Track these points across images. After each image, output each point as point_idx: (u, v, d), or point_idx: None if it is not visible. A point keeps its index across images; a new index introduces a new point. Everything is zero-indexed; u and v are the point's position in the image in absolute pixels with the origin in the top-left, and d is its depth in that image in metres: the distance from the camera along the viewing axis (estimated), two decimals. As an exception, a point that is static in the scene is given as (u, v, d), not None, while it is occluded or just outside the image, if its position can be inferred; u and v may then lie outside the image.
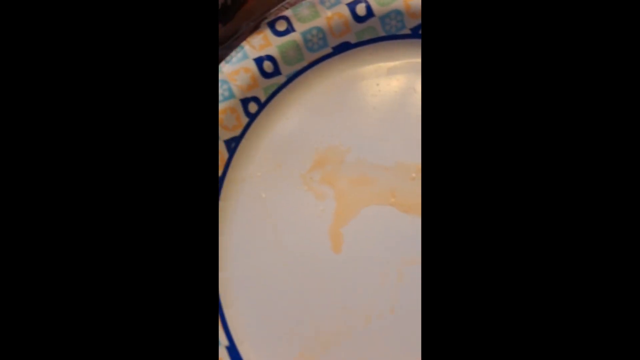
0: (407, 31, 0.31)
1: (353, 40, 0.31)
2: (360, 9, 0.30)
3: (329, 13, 0.30)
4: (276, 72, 0.31)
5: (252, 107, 0.31)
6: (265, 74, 0.31)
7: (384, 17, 0.31)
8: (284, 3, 0.32)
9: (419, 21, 0.31)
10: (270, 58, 0.31)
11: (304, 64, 0.31)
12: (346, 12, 0.30)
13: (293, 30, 0.31)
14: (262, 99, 0.31)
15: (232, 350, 0.28)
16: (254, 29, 0.31)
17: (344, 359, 0.27)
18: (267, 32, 0.31)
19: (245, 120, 0.31)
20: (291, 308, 0.28)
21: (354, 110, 0.31)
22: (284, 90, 0.32)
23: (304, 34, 0.31)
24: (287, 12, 0.31)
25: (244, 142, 0.31)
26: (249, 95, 0.31)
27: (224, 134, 0.30)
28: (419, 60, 0.32)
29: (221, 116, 0.30)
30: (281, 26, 0.31)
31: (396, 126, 0.31)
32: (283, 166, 0.31)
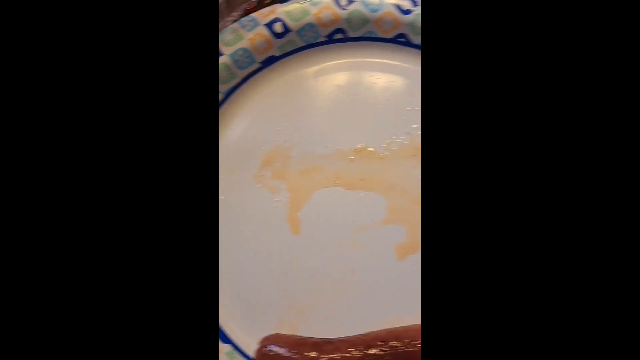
0: (323, 39, 0.37)
1: (277, 54, 0.36)
2: (278, 27, 0.35)
3: (250, 35, 0.35)
4: (215, 92, 0.35)
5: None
6: (206, 95, 0.35)
7: (300, 31, 0.36)
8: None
9: (331, 29, 0.36)
10: (208, 81, 0.35)
11: (237, 80, 0.36)
12: (265, 31, 0.35)
13: (222, 54, 0.35)
14: (208, 117, 0.35)
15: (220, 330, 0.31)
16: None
17: (318, 320, 0.30)
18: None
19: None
20: (265, 287, 0.31)
21: (291, 111, 0.36)
22: (225, 105, 0.36)
23: (232, 56, 0.35)
24: (215, 40, 0.35)
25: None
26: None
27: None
28: (338, 61, 0.37)
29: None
30: (213, 52, 0.35)
31: (330, 119, 0.35)
32: (236, 171, 0.34)
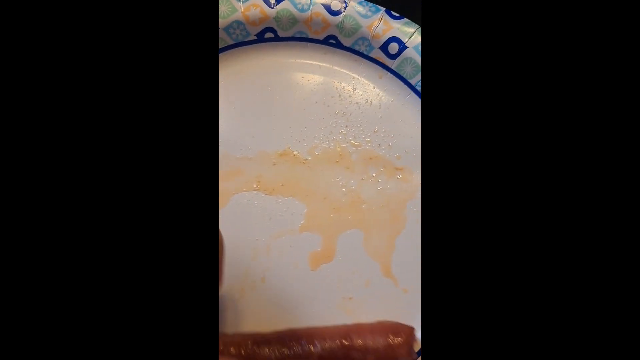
0: (253, 37, 0.36)
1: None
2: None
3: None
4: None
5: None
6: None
7: (228, 29, 0.35)
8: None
9: (260, 27, 0.35)
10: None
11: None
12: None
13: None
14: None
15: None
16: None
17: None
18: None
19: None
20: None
21: (215, 112, 0.35)
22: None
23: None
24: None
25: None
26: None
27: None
28: (267, 60, 0.36)
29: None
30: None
31: (254, 121, 0.35)
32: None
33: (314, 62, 0.36)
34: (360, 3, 0.35)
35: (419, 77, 0.34)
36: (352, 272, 0.32)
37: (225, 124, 0.34)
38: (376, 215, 0.33)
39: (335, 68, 0.36)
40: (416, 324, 0.29)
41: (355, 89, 0.36)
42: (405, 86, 0.35)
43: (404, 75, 0.35)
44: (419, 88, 0.35)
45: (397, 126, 0.35)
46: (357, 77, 0.36)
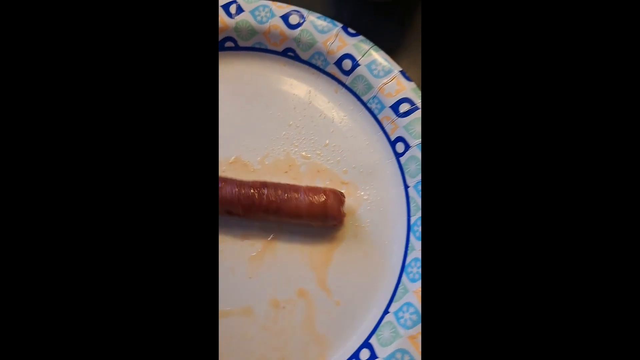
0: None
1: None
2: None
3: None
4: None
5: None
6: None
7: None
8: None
9: (221, 36, 0.36)
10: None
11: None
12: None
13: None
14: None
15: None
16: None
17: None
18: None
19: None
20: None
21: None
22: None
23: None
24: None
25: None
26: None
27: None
28: (228, 69, 0.37)
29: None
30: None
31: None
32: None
33: (272, 74, 0.37)
34: (319, 17, 0.35)
35: (371, 93, 0.35)
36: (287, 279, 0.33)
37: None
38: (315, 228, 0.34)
39: (292, 80, 0.37)
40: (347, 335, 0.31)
41: (310, 102, 0.37)
42: (359, 102, 0.36)
43: (357, 92, 0.36)
44: (370, 105, 0.35)
45: (348, 141, 0.36)
46: (313, 90, 0.37)
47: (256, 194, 0.32)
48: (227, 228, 0.33)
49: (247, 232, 0.34)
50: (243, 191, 0.32)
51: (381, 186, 0.34)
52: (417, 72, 0.36)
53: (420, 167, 0.32)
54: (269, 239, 0.33)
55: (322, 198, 0.31)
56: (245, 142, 0.36)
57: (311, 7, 0.36)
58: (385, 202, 0.34)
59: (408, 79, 0.33)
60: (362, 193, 0.34)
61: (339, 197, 0.32)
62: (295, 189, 0.32)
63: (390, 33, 0.38)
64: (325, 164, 0.35)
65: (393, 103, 0.33)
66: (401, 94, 0.33)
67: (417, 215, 0.32)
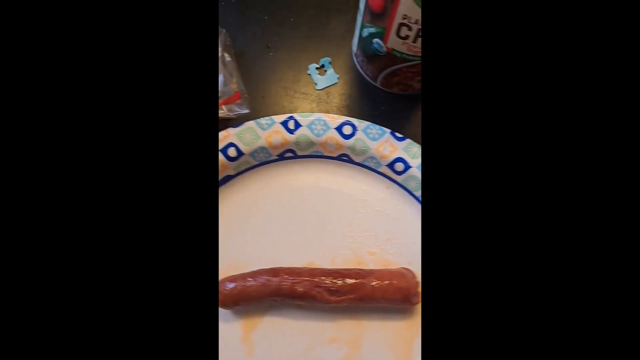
0: (275, 157, 0.40)
1: (232, 173, 0.39)
2: (232, 152, 0.39)
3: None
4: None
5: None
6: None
7: (253, 153, 0.39)
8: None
9: (281, 150, 0.40)
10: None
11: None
12: (221, 157, 0.38)
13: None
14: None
15: None
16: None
17: None
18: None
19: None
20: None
21: (246, 228, 0.39)
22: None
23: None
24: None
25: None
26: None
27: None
28: (288, 177, 0.41)
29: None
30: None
31: (278, 235, 0.39)
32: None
33: (329, 176, 0.41)
34: (368, 126, 0.39)
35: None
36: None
37: (250, 239, 0.38)
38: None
39: (348, 180, 0.41)
40: None
41: (366, 199, 0.40)
42: (411, 196, 0.40)
43: (409, 188, 0.40)
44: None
45: (407, 234, 0.39)
46: (367, 188, 0.41)
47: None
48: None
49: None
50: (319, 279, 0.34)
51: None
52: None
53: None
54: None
55: (398, 277, 0.35)
56: (315, 246, 0.38)
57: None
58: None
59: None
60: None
61: (411, 273, 0.35)
62: (367, 273, 0.35)
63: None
64: (390, 257, 0.39)
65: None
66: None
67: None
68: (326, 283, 0.33)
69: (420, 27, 0.33)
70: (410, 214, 0.40)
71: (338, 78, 0.45)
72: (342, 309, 0.35)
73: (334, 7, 0.48)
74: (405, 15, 0.33)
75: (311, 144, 0.40)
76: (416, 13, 0.32)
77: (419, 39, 0.35)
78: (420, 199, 0.39)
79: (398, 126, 0.41)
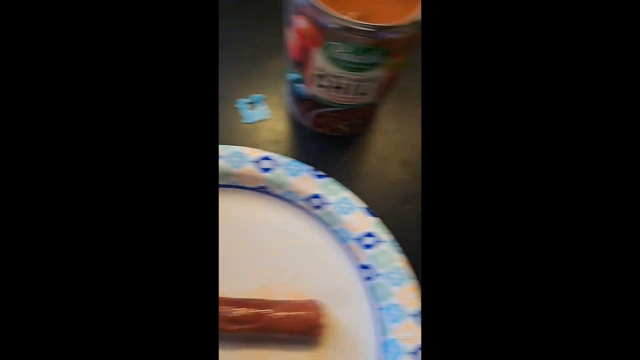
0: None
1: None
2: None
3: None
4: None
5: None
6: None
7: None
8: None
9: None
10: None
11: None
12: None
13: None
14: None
15: None
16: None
17: None
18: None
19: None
20: None
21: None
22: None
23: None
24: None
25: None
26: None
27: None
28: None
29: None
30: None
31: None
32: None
33: (245, 206, 0.42)
34: (289, 162, 0.41)
35: (339, 225, 0.41)
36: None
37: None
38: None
39: (265, 211, 0.42)
40: None
41: (282, 230, 0.42)
42: (329, 231, 0.42)
43: (327, 222, 0.42)
44: (340, 234, 0.41)
45: (321, 267, 0.40)
46: (283, 219, 0.42)
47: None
48: None
49: None
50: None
51: (353, 308, 0.39)
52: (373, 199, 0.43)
53: (387, 291, 0.37)
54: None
55: (301, 309, 0.35)
56: (225, 276, 0.38)
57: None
58: (357, 324, 0.38)
59: (373, 214, 0.40)
60: (336, 316, 0.39)
61: (316, 305, 0.36)
62: (270, 304, 0.36)
63: (343, 162, 0.46)
64: (301, 289, 0.39)
65: (359, 236, 0.40)
66: (366, 229, 0.39)
67: (386, 336, 0.37)
68: (226, 312, 0.34)
69: (335, 80, 0.36)
70: (325, 247, 0.41)
71: (270, 114, 0.47)
72: (245, 339, 0.36)
73: (273, 46, 0.51)
74: (320, 68, 0.36)
75: (228, 174, 0.41)
76: (330, 69, 0.35)
77: (340, 89, 0.38)
78: (337, 232, 0.41)
79: (324, 164, 0.44)
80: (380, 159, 0.47)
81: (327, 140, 0.47)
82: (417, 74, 0.52)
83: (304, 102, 0.43)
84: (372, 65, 0.34)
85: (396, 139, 0.49)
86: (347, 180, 0.43)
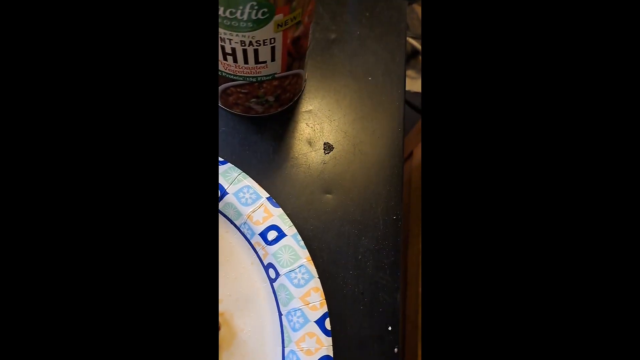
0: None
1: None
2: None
3: None
4: None
5: None
6: None
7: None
8: None
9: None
10: None
11: None
12: None
13: None
14: None
15: None
16: None
17: None
18: None
19: None
20: None
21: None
22: None
23: None
24: None
25: None
26: None
27: None
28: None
29: None
30: None
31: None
32: None
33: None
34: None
35: (241, 220, 0.35)
36: None
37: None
38: None
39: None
40: None
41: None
42: (233, 226, 0.36)
43: (230, 217, 0.36)
44: (243, 230, 0.35)
45: (223, 268, 0.35)
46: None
47: None
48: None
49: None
50: None
51: (258, 314, 0.33)
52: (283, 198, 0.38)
53: (289, 296, 0.32)
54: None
55: None
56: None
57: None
58: (261, 331, 0.33)
59: (275, 205, 0.34)
60: (239, 322, 0.33)
61: None
62: None
63: (258, 160, 0.40)
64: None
65: (262, 230, 0.34)
66: (269, 221, 0.34)
67: (289, 347, 0.31)
68: None
69: (223, 44, 0.31)
70: (231, 244, 0.36)
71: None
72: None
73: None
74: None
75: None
76: (224, 32, 0.29)
77: (231, 56, 0.32)
78: (240, 229, 0.35)
79: (235, 150, 0.38)
80: (301, 142, 0.42)
81: (244, 122, 0.42)
82: (345, 47, 0.46)
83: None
84: (253, 23, 0.28)
85: (320, 119, 0.43)
86: (247, 167, 0.38)
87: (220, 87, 0.38)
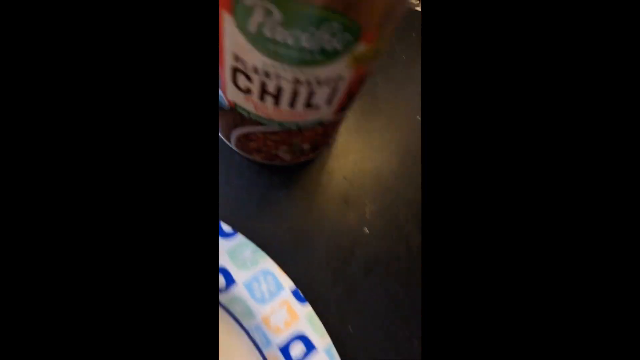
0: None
1: None
2: None
3: None
4: None
5: None
6: None
7: None
8: None
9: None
10: None
11: None
12: None
13: None
14: None
15: None
16: None
17: None
18: None
19: None
20: None
21: None
22: None
23: None
24: None
25: None
26: None
27: None
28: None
29: None
30: None
31: None
32: None
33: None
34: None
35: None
36: None
37: None
38: None
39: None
40: None
41: None
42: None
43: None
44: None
45: None
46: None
47: None
48: None
49: None
50: None
51: None
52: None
53: None
54: None
55: None
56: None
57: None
58: None
59: (302, 300, 0.24)
60: None
61: None
62: None
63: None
64: None
65: (282, 341, 0.23)
66: (293, 328, 0.23)
67: None
68: None
69: (265, 80, 0.20)
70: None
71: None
72: None
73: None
74: (237, 56, 0.20)
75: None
76: (254, 57, 0.19)
77: (269, 95, 0.21)
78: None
79: (251, 214, 0.27)
80: (337, 200, 0.32)
81: (265, 172, 0.31)
82: (388, 77, 0.37)
83: (224, 115, 0.27)
84: (323, 54, 0.18)
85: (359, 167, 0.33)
86: (269, 240, 0.27)
87: (241, 131, 0.27)
